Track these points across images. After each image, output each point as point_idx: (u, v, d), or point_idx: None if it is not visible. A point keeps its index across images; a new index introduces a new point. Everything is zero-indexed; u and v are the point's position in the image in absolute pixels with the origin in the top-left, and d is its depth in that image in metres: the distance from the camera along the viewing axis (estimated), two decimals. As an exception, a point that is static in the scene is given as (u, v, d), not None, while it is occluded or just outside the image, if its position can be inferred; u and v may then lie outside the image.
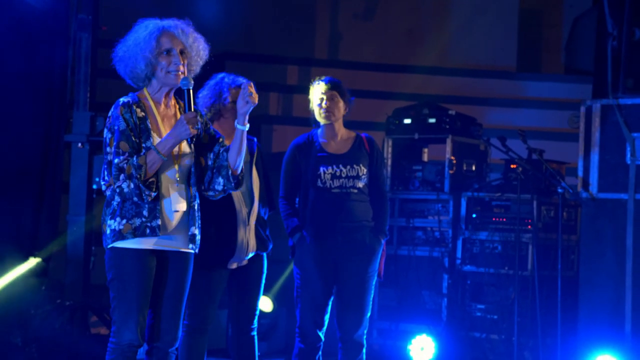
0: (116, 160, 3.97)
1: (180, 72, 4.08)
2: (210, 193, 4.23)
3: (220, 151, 4.19)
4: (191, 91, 4.08)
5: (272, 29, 10.43)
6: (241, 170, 4.21)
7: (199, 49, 4.19)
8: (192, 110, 4.06)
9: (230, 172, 4.17)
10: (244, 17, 10.07)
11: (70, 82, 7.62)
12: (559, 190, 6.50)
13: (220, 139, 4.23)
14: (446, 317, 7.26)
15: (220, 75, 5.03)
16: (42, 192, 7.46)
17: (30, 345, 6.77)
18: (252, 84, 4.21)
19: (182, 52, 4.11)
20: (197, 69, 4.22)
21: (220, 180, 4.18)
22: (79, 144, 7.49)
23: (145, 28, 4.10)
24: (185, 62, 4.12)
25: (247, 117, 4.17)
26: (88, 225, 7.56)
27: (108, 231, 4.04)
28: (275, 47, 10.42)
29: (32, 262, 7.14)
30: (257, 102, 4.16)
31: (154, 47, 4.05)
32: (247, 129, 4.18)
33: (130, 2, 8.68)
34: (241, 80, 5.00)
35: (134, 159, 3.96)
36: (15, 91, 7.31)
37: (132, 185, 3.95)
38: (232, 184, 4.19)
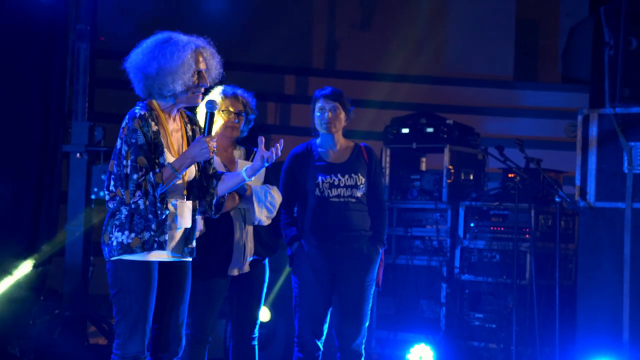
0: (135, 176, 3.96)
1: (202, 94, 4.13)
2: None
3: (212, 175, 4.23)
4: (214, 115, 4.13)
5: (269, 39, 10.44)
6: (223, 199, 4.26)
7: (217, 72, 4.21)
8: (213, 135, 4.11)
9: (214, 200, 4.21)
10: (241, 26, 10.08)
11: (69, 92, 7.63)
12: (557, 199, 6.51)
13: (212, 161, 4.26)
14: (444, 326, 7.26)
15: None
16: (40, 202, 7.45)
17: (28, 356, 6.76)
18: (277, 146, 4.24)
19: (207, 72, 4.14)
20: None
21: (203, 203, 4.22)
22: (77, 154, 7.49)
23: (176, 46, 4.07)
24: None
25: (257, 172, 4.23)
26: (86, 236, 7.56)
27: (114, 243, 4.02)
28: (273, 57, 10.43)
29: (30, 271, 7.14)
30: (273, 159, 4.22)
31: (193, 70, 4.06)
32: (248, 181, 4.24)
33: (128, 13, 8.70)
34: (233, 89, 5.03)
35: (151, 176, 3.96)
36: (13, 101, 7.31)
37: (148, 203, 3.96)
38: (213, 212, 4.24)
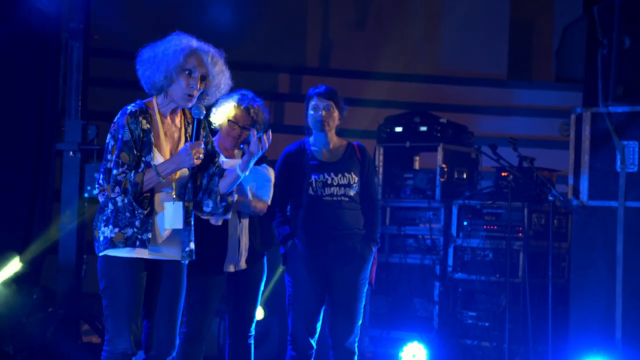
0: (115, 172, 3.96)
1: (192, 97, 4.04)
2: (199, 213, 4.23)
3: (215, 173, 4.19)
4: (202, 121, 4.07)
5: (263, 37, 10.43)
6: (232, 198, 4.21)
7: (221, 82, 4.14)
8: (200, 140, 4.05)
9: (219, 198, 4.17)
10: (234, 24, 10.07)
11: (62, 91, 7.63)
12: (550, 198, 6.52)
13: (216, 160, 4.21)
14: (437, 324, 7.27)
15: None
16: (34, 200, 7.46)
17: (21, 354, 6.77)
18: (264, 136, 4.20)
19: (203, 78, 4.06)
20: (212, 99, 4.17)
21: (210, 203, 4.18)
22: (71, 153, 7.50)
23: (178, 41, 4.05)
24: (202, 88, 4.07)
25: (249, 166, 4.17)
26: (79, 233, 7.56)
27: (101, 238, 4.03)
28: (267, 55, 10.42)
29: (23, 268, 7.14)
30: (260, 152, 4.17)
31: (179, 63, 4.00)
32: (243, 176, 4.17)
33: (122, 12, 8.70)
34: (250, 102, 5.00)
35: (132, 174, 3.94)
36: (7, 99, 7.31)
37: (125, 201, 3.95)
38: (221, 210, 4.19)
